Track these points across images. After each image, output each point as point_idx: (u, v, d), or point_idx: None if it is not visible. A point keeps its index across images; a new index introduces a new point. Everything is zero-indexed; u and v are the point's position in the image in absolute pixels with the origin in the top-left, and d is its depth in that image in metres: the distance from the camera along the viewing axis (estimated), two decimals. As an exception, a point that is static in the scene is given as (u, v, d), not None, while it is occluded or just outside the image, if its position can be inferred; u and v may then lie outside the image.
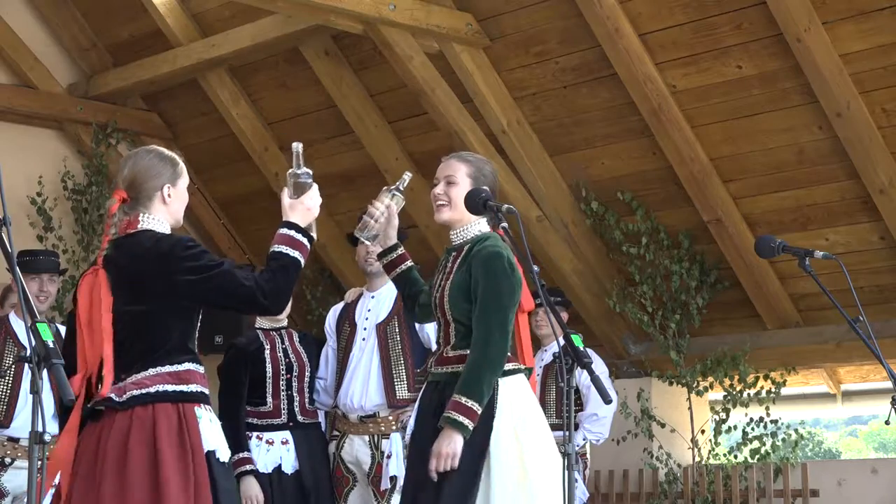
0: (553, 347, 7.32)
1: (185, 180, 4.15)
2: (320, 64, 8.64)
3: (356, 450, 6.09)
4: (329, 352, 6.32)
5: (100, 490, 3.82)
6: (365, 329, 6.13)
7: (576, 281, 8.52)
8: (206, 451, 3.89)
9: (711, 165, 7.75)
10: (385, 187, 4.67)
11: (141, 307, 3.93)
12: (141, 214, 4.04)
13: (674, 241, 8.24)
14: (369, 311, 6.15)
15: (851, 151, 7.23)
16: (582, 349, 4.07)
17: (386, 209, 4.62)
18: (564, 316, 7.65)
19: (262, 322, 6.34)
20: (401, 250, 4.72)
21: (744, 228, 7.91)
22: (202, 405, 3.96)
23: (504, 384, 4.46)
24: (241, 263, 9.54)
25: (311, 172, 4.13)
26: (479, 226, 4.62)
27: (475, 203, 4.46)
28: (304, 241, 4.01)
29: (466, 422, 4.31)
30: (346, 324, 6.23)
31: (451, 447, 4.31)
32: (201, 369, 4.03)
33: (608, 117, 7.94)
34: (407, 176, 4.70)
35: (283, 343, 6.29)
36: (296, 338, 6.36)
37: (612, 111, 7.90)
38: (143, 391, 3.88)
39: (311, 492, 6.15)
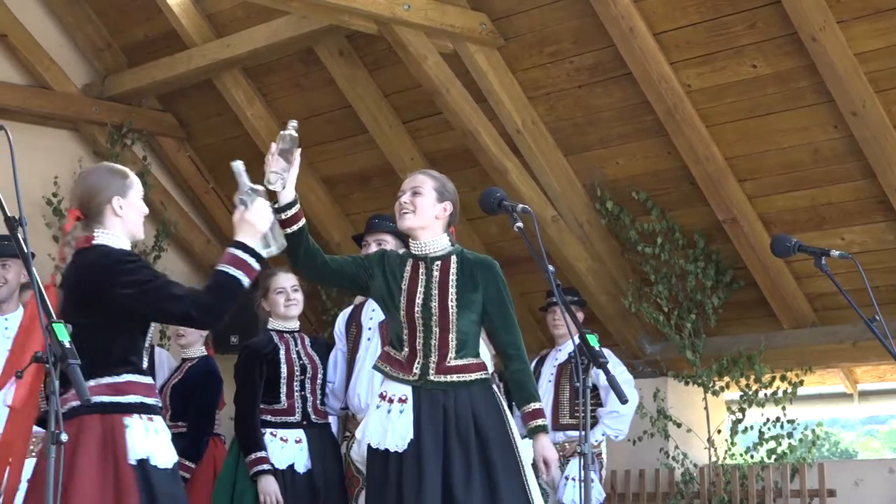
0: (568, 346, 7.31)
1: (137, 192, 4.21)
2: (335, 64, 8.64)
3: (363, 449, 6.11)
4: (338, 355, 6.34)
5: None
6: (370, 329, 6.16)
7: (591, 281, 8.51)
8: (136, 458, 3.96)
9: (726, 165, 7.73)
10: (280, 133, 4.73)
11: (86, 320, 3.97)
12: (96, 230, 4.12)
13: (689, 241, 8.22)
14: (374, 311, 6.17)
15: (867, 150, 7.21)
16: (598, 349, 4.13)
17: (275, 149, 4.75)
18: (580, 316, 7.65)
19: (274, 324, 6.35)
20: (297, 208, 4.77)
21: (759, 228, 7.89)
22: (137, 415, 4.03)
23: (497, 389, 4.89)
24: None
25: (259, 188, 4.18)
26: (445, 238, 4.83)
27: (490, 203, 4.60)
28: (248, 259, 4.03)
29: (547, 423, 4.81)
30: (354, 326, 6.27)
31: (554, 451, 4.79)
32: (145, 380, 4.11)
33: (623, 117, 7.93)
34: (292, 123, 4.77)
35: (296, 346, 6.31)
36: (307, 341, 6.38)
37: (627, 111, 7.88)
38: (78, 403, 3.90)
39: (322, 491, 6.16)
